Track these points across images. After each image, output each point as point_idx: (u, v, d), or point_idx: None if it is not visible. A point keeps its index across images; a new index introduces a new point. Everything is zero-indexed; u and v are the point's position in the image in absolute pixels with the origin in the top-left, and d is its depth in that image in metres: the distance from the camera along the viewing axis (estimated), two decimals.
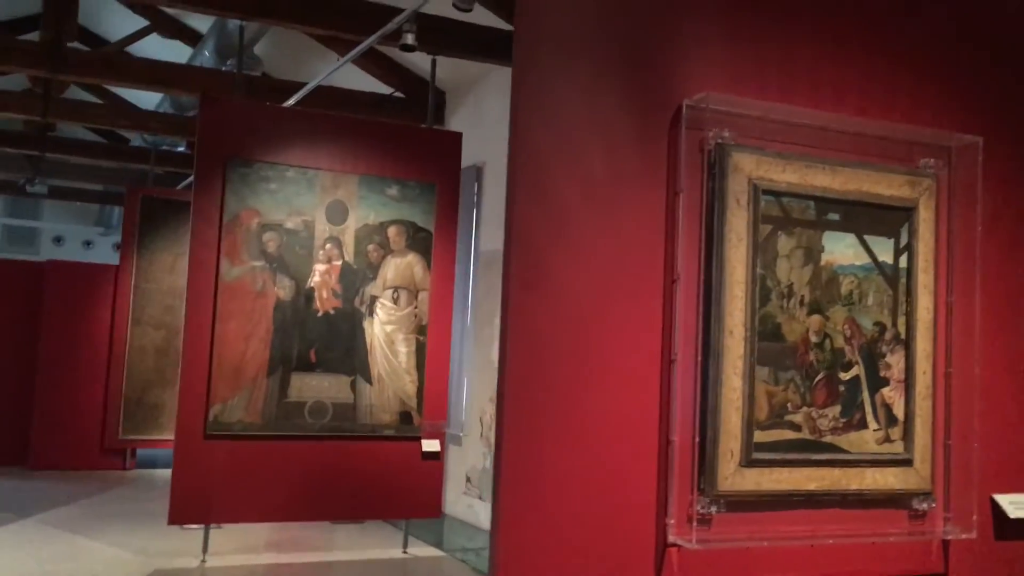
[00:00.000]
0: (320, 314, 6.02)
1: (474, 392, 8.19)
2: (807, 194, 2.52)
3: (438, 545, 7.18)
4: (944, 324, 2.67)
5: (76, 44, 8.34)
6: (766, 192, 2.47)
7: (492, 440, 7.77)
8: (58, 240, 18.03)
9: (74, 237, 18.17)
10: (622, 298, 2.35)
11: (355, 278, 6.12)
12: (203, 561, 6.18)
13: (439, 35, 6.54)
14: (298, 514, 6.22)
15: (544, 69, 2.31)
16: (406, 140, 6.40)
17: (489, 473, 7.79)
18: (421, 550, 6.90)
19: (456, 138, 6.57)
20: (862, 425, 2.57)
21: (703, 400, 2.39)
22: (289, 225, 5.96)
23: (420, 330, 6.23)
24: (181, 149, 12.03)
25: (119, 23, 10.73)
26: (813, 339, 2.52)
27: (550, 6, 2.33)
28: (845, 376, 2.55)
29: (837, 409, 2.54)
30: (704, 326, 2.40)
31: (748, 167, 2.45)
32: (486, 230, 8.27)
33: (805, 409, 2.50)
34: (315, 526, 7.33)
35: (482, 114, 8.39)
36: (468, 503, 8.09)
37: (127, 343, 9.68)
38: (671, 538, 2.35)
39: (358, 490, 6.10)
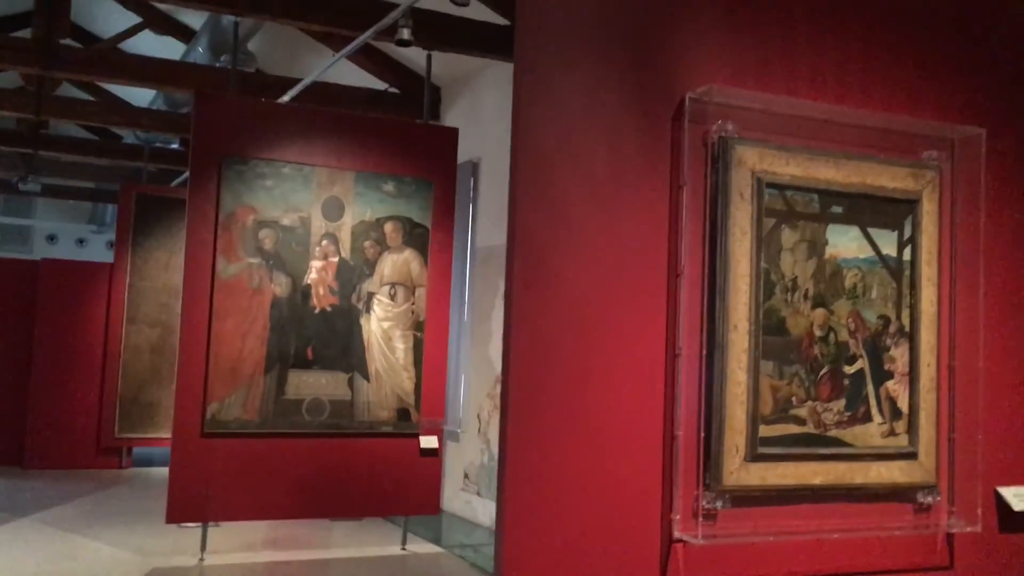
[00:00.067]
0: (317, 311, 6.00)
1: (471, 388, 8.18)
2: (811, 187, 2.51)
3: (436, 541, 7.16)
4: (948, 317, 2.66)
5: (69, 41, 8.28)
6: (770, 185, 2.45)
7: (489, 436, 7.76)
8: (51, 238, 17.96)
9: (67, 235, 18.10)
10: (626, 293, 2.34)
11: (352, 275, 6.09)
12: (201, 559, 6.16)
13: (435, 30, 6.51)
14: (296, 512, 6.20)
15: (546, 64, 2.29)
16: (402, 136, 6.38)
17: (487, 469, 7.78)
18: (420, 547, 6.88)
19: (452, 134, 6.54)
20: (867, 419, 2.56)
21: (708, 395, 2.38)
22: (285, 222, 5.94)
23: (417, 326, 6.21)
24: (175, 146, 11.99)
25: (112, 20, 10.68)
26: (817, 333, 2.51)
27: (552, 1, 2.31)
28: (849, 370, 2.54)
29: (842, 403, 2.53)
30: (708, 321, 2.39)
31: (751, 160, 2.43)
32: (482, 226, 8.25)
33: (810, 403, 2.49)
34: (313, 523, 7.31)
35: (478, 110, 8.37)
36: (466, 499, 8.08)
37: (122, 341, 9.65)
38: (676, 534, 2.34)
39: (356, 487, 6.08)
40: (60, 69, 7.91)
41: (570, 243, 2.29)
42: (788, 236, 2.49)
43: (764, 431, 2.43)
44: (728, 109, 2.42)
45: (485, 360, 7.97)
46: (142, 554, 6.37)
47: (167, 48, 9.81)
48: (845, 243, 2.55)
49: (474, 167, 8.28)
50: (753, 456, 2.40)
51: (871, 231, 2.58)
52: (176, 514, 5.73)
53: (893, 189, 2.60)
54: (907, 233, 2.62)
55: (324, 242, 6.03)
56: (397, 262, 6.19)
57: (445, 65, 7.76)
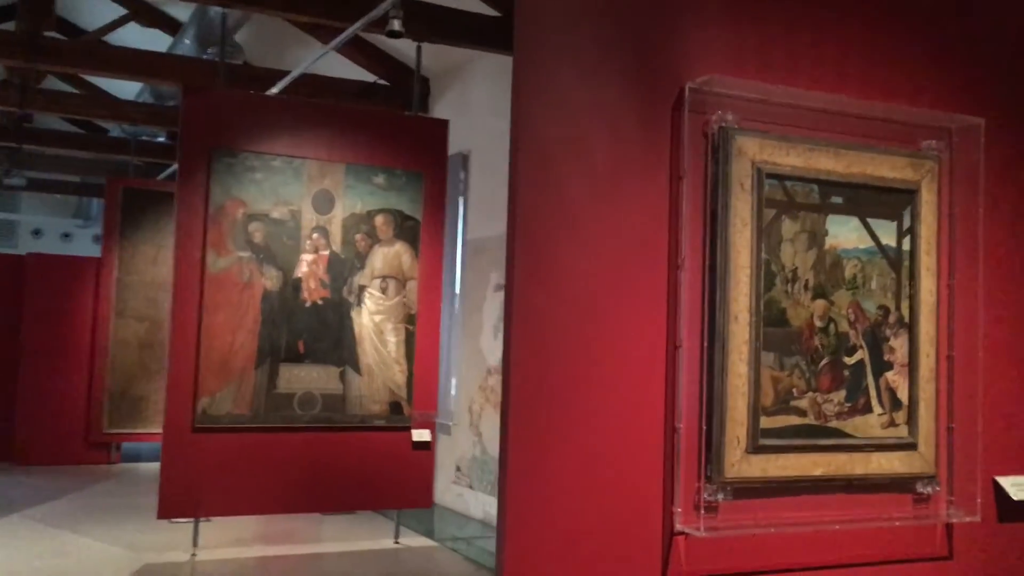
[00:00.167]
0: (308, 304, 5.97)
1: (463, 381, 8.16)
2: (811, 177, 2.49)
3: (429, 535, 7.16)
4: (947, 307, 2.66)
5: (53, 33, 8.20)
6: (770, 176, 2.44)
7: (481, 429, 7.75)
8: (37, 233, 17.81)
9: (53, 230, 17.95)
10: (626, 285, 2.32)
11: (343, 268, 6.07)
12: (193, 555, 6.13)
13: (425, 21, 6.48)
14: (289, 506, 6.18)
15: (546, 55, 2.27)
16: (393, 128, 6.35)
17: (479, 462, 7.77)
18: (412, 540, 6.87)
19: (443, 126, 6.51)
20: (867, 409, 2.55)
21: (709, 387, 2.37)
22: (275, 215, 5.90)
23: (409, 319, 6.19)
24: (161, 139, 11.91)
25: (97, 12, 10.59)
26: (818, 324, 2.50)
27: None
28: (850, 361, 2.54)
29: (842, 394, 2.52)
30: (709, 312, 2.38)
31: (752, 151, 2.42)
32: (472, 218, 8.23)
33: (810, 394, 2.49)
34: (306, 518, 7.29)
35: (467, 101, 8.33)
36: (458, 492, 8.07)
37: (110, 336, 9.59)
38: (678, 526, 2.33)
39: (349, 481, 6.06)
40: (45, 62, 7.84)
41: (570, 235, 2.27)
42: (788, 227, 2.47)
43: (765, 423, 2.42)
44: (728, 99, 2.41)
45: (476, 353, 7.95)
46: (134, 550, 6.34)
47: (153, 40, 9.74)
48: (845, 233, 2.54)
49: (464, 159, 8.25)
50: (754, 448, 2.39)
51: (871, 221, 2.57)
52: (167, 509, 5.70)
53: (893, 179, 2.59)
54: (906, 223, 2.61)
55: (315, 235, 6.00)
56: (388, 255, 6.16)
57: (434, 57, 7.72)
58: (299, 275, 5.94)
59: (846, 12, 2.61)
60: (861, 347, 2.55)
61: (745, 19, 2.49)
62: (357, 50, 8.50)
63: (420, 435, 6.22)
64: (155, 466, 5.63)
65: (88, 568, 5.92)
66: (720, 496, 2.37)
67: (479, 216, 8.11)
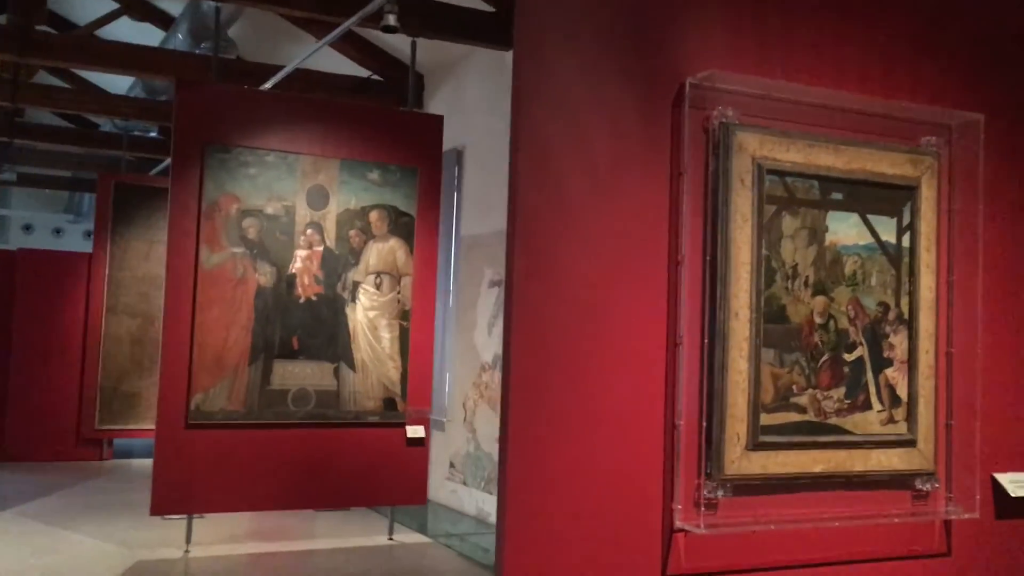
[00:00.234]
0: (302, 300, 5.95)
1: (457, 377, 8.15)
2: (811, 173, 2.49)
3: (423, 531, 7.14)
4: (946, 303, 2.66)
5: (45, 27, 8.14)
6: (770, 172, 2.43)
7: (475, 425, 7.74)
8: (27, 228, 17.73)
9: (43, 225, 17.87)
10: (626, 281, 2.31)
11: (337, 264, 6.04)
12: (186, 552, 6.11)
13: (420, 16, 6.45)
14: (282, 503, 6.15)
15: (546, 51, 2.26)
16: (387, 124, 6.32)
17: (473, 458, 7.76)
18: (406, 536, 6.86)
19: (437, 121, 6.49)
20: (866, 406, 2.55)
21: (709, 383, 2.36)
22: (269, 211, 5.88)
23: (403, 315, 6.17)
24: (153, 134, 11.85)
25: (89, 6, 10.52)
26: (818, 320, 2.50)
27: None
28: (849, 357, 2.53)
29: (842, 390, 2.52)
30: (709, 308, 2.37)
31: (752, 146, 2.41)
32: (467, 214, 8.21)
33: (810, 391, 2.48)
34: (299, 514, 7.27)
35: (461, 97, 8.31)
36: (452, 488, 8.06)
37: (102, 332, 9.55)
38: (678, 523, 2.33)
39: (343, 477, 6.05)
40: (36, 56, 7.78)
41: (570, 231, 2.26)
42: (789, 223, 2.47)
43: (765, 419, 2.41)
44: (728, 95, 2.40)
45: (470, 349, 7.94)
46: (127, 546, 6.31)
47: (145, 35, 9.68)
48: (845, 230, 2.53)
49: (458, 155, 8.23)
50: (754, 445, 2.39)
51: (871, 218, 2.56)
52: (160, 506, 5.67)
53: (892, 175, 2.58)
54: (906, 220, 2.61)
55: (309, 231, 5.97)
56: (383, 251, 6.14)
57: (428, 52, 7.70)
58: (293, 271, 5.92)
59: (846, 8, 2.60)
60: (861, 344, 2.55)
61: (745, 15, 2.49)
62: (351, 45, 8.47)
63: (414, 431, 6.20)
64: (147, 462, 5.59)
65: (81, 565, 5.89)
66: (720, 493, 2.37)
67: (473, 212, 8.10)
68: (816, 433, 2.48)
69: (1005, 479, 2.73)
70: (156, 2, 9.81)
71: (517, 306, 2.20)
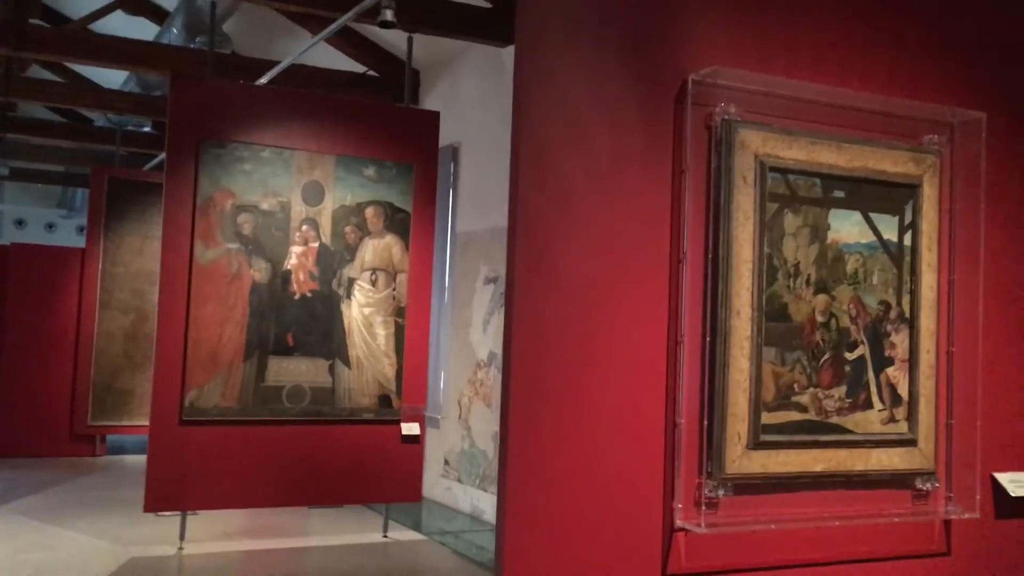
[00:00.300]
0: (297, 297, 5.93)
1: (452, 374, 8.13)
2: (813, 171, 2.47)
3: (417, 528, 7.13)
4: (947, 303, 2.65)
5: (38, 21, 8.10)
6: (772, 169, 2.42)
7: (470, 423, 7.72)
8: (20, 223, 17.66)
9: (36, 220, 17.80)
10: (628, 279, 2.30)
11: (332, 260, 6.02)
12: (180, 549, 6.09)
13: (417, 12, 6.43)
14: (276, 499, 6.14)
15: (547, 47, 2.24)
16: (383, 120, 6.30)
17: (467, 455, 7.74)
18: (401, 534, 6.84)
19: (434, 117, 6.47)
20: (867, 405, 2.54)
21: (710, 382, 2.35)
22: (264, 206, 5.85)
23: (399, 312, 6.16)
24: (147, 129, 11.80)
25: (82, 0, 10.47)
26: (819, 319, 2.48)
27: None
28: (850, 356, 2.52)
29: (843, 389, 2.51)
30: (711, 306, 2.36)
31: (754, 144, 2.39)
32: (462, 211, 8.19)
33: (811, 390, 2.47)
34: (293, 511, 7.24)
35: (457, 93, 8.29)
36: (447, 486, 8.05)
37: (95, 328, 9.51)
38: (678, 522, 2.31)
39: (337, 475, 6.03)
40: (29, 50, 7.74)
41: (571, 228, 2.24)
42: (791, 221, 2.45)
43: (766, 418, 2.40)
44: (731, 92, 2.38)
45: (466, 346, 7.92)
46: (120, 543, 6.28)
47: (140, 29, 9.64)
48: (847, 228, 2.52)
49: (454, 151, 8.21)
50: (755, 444, 2.38)
51: (873, 216, 2.55)
52: (154, 503, 5.65)
53: (894, 173, 2.57)
54: (908, 218, 2.60)
55: (304, 227, 5.95)
56: (378, 247, 6.12)
57: (424, 48, 7.67)
58: (288, 267, 5.89)
59: (849, 6, 2.59)
60: (862, 342, 2.53)
61: (748, 11, 2.47)
62: (347, 41, 8.43)
63: (409, 428, 6.19)
64: (140, 459, 5.56)
65: (74, 562, 5.86)
66: (721, 492, 2.35)
67: (469, 209, 8.07)
68: (817, 432, 2.47)
69: (1005, 479, 2.73)
70: None
71: (518, 304, 2.18)
